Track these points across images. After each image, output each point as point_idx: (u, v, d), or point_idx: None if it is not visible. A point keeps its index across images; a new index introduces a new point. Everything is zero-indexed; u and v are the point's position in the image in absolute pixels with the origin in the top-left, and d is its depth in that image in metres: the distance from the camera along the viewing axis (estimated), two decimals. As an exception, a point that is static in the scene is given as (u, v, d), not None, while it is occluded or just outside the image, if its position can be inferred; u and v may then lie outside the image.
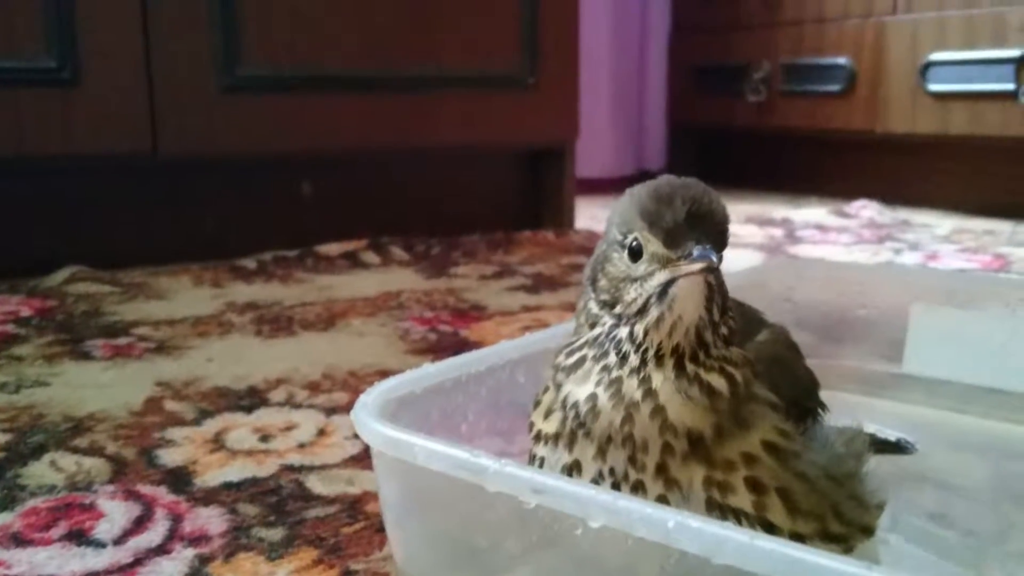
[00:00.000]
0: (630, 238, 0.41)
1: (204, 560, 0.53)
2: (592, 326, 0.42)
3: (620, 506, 0.32)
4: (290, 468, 0.66)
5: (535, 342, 0.53)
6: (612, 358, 0.40)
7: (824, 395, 0.51)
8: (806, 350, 0.49)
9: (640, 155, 2.65)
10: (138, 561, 0.53)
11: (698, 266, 0.38)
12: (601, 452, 0.39)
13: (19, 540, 0.55)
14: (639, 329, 0.40)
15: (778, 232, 1.75)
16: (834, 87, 2.14)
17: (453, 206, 1.69)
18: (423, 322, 1.08)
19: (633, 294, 0.41)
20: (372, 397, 0.43)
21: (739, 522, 0.37)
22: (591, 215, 1.97)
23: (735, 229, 1.74)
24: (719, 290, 0.40)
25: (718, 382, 0.39)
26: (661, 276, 0.40)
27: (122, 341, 1.00)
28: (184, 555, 0.54)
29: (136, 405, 0.80)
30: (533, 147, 1.77)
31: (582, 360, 0.42)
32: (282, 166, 1.54)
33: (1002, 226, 1.79)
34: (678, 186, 0.41)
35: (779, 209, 2.05)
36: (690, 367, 0.39)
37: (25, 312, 1.12)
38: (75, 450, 0.70)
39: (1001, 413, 0.69)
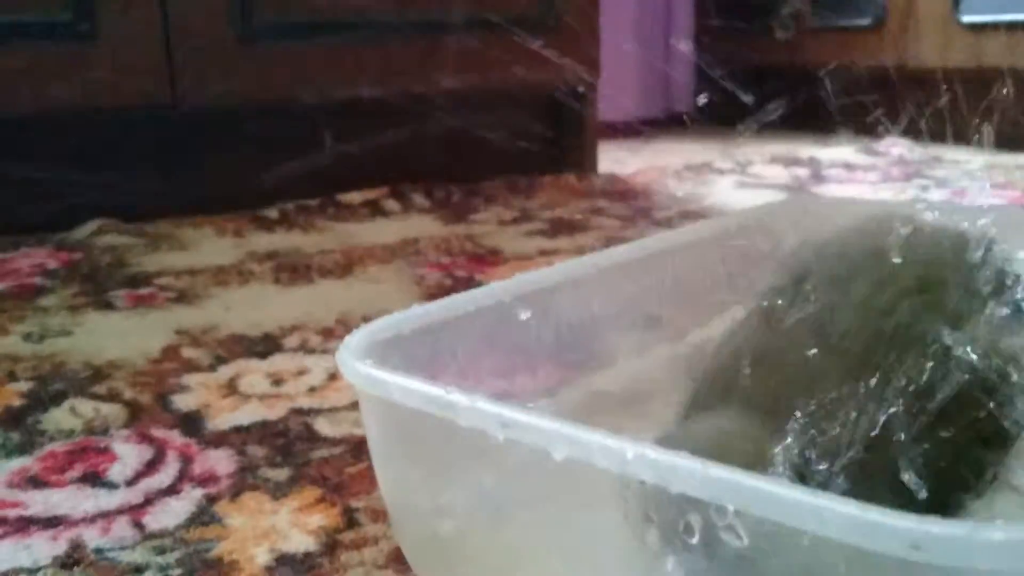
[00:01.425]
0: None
1: (211, 499, 0.55)
2: None
3: (581, 437, 0.32)
4: (299, 411, 0.68)
5: (528, 282, 0.54)
6: None
7: None
8: None
9: (667, 96, 2.61)
10: (148, 501, 0.55)
11: None
12: None
13: (36, 482, 0.58)
14: None
15: (804, 172, 1.73)
16: (864, 20, 2.09)
17: (475, 152, 1.69)
18: (439, 267, 1.09)
19: None
20: (357, 338, 0.44)
21: None
22: (615, 158, 1.95)
23: (760, 170, 1.71)
24: None
25: None
26: None
27: (144, 291, 1.02)
28: (192, 495, 0.56)
29: (154, 352, 0.81)
30: (554, 90, 1.76)
31: None
32: (303, 115, 1.55)
33: (1036, 161, 1.75)
34: None
35: (807, 148, 2.02)
36: None
37: (52, 264, 1.14)
38: (94, 396, 0.72)
39: None
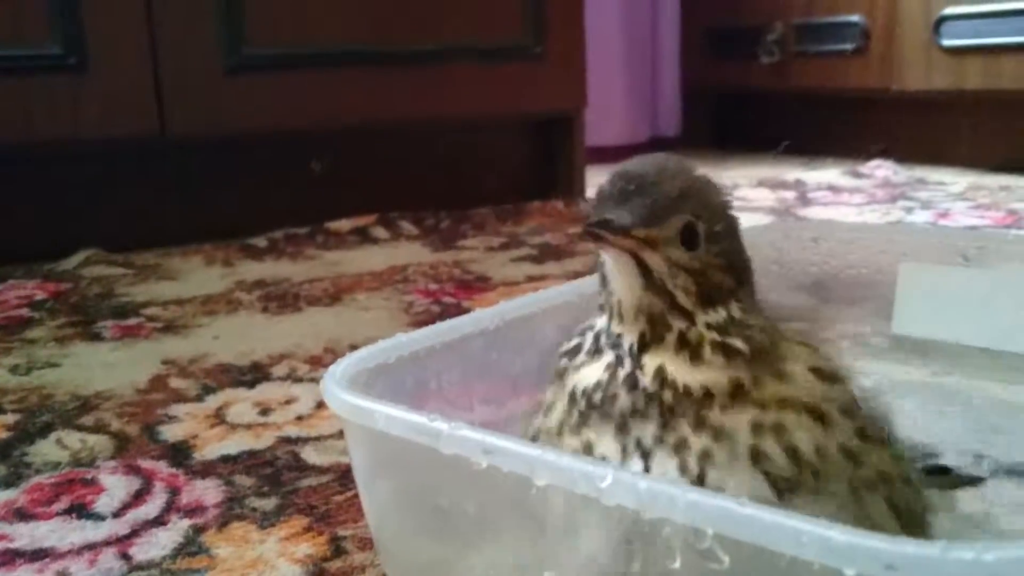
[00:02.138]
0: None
1: (198, 530, 0.55)
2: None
3: (562, 464, 0.32)
4: (287, 440, 0.68)
5: (512, 309, 0.54)
6: (608, 353, 0.38)
7: None
8: (796, 312, 0.49)
9: (654, 121, 2.63)
10: (135, 532, 0.55)
11: (606, 234, 0.35)
12: (622, 428, 0.36)
13: (22, 515, 0.58)
14: (606, 319, 0.38)
15: (790, 195, 1.74)
16: (848, 46, 2.11)
17: (463, 178, 1.70)
18: (427, 294, 1.09)
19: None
20: (342, 367, 0.44)
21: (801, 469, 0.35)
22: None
23: (747, 193, 1.73)
24: (677, 272, 0.37)
25: (733, 343, 0.36)
26: (602, 258, 0.38)
27: (132, 321, 1.02)
28: (179, 525, 0.56)
29: (142, 383, 0.81)
30: (541, 117, 1.77)
31: (577, 350, 0.39)
32: (291, 144, 1.55)
33: (1019, 182, 1.76)
34: (638, 160, 0.38)
35: (793, 171, 2.04)
36: (675, 351, 0.36)
37: (40, 295, 1.14)
38: (80, 428, 0.72)
39: (989, 373, 0.69)
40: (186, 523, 0.56)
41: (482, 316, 0.53)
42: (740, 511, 0.29)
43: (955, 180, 1.82)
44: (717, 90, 2.58)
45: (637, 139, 2.55)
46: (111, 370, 0.86)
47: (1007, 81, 1.81)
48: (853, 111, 2.23)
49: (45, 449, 0.68)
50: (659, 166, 0.38)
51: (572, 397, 0.38)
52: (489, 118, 1.71)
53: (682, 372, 0.36)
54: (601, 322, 0.39)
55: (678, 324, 0.37)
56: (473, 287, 1.13)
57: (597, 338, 0.39)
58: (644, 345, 0.37)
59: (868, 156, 2.02)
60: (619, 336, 0.38)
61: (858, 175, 1.94)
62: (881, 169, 1.95)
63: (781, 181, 1.90)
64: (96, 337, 0.97)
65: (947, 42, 1.89)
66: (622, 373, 0.37)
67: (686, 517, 0.30)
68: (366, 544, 0.52)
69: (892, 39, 2.01)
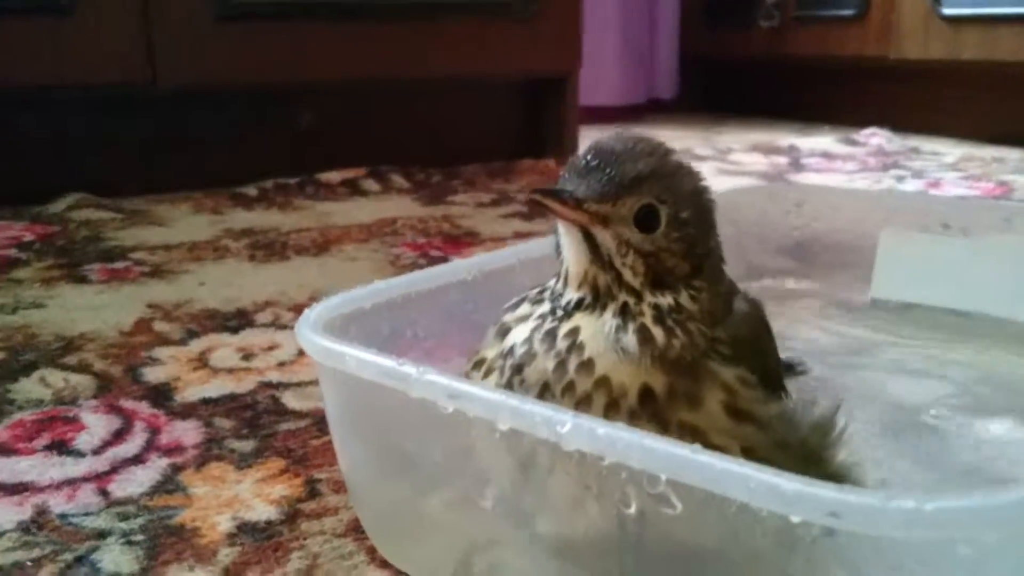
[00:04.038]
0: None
1: (176, 469, 0.56)
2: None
3: (525, 409, 0.33)
4: (268, 385, 0.69)
5: (489, 261, 0.55)
6: (546, 304, 0.40)
7: (793, 325, 0.51)
8: (778, 275, 0.50)
9: (651, 83, 2.62)
10: (114, 469, 0.56)
11: (566, 214, 0.37)
12: (541, 398, 0.37)
13: (3, 450, 0.58)
14: (560, 277, 0.40)
15: (782, 160, 1.74)
16: (847, 11, 2.10)
17: (455, 136, 1.69)
18: (415, 247, 1.10)
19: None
20: (317, 312, 0.45)
21: None
22: (596, 143, 1.96)
23: (739, 157, 1.72)
24: (627, 251, 0.38)
25: (656, 333, 0.37)
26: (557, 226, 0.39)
27: (119, 265, 1.02)
28: (158, 464, 0.57)
29: (126, 325, 0.82)
30: (534, 77, 1.76)
31: (520, 301, 0.41)
32: (281, 96, 1.55)
33: (1013, 154, 1.77)
34: (615, 136, 0.39)
35: (787, 137, 2.03)
36: (618, 319, 0.37)
37: (27, 237, 1.14)
38: (64, 367, 0.72)
39: (965, 337, 0.70)
40: (165, 462, 0.57)
41: (459, 266, 0.54)
42: (693, 458, 0.30)
43: (949, 151, 1.82)
44: (714, 54, 2.57)
45: (633, 100, 2.55)
46: (96, 312, 0.86)
47: (1004, 52, 1.80)
48: (850, 79, 2.22)
49: (28, 387, 0.68)
50: (630, 145, 0.39)
51: (502, 354, 0.40)
52: (482, 76, 1.70)
53: (595, 341, 0.37)
54: (552, 282, 0.41)
55: (623, 298, 0.38)
56: (461, 241, 1.13)
57: (542, 291, 0.41)
58: (580, 304, 0.38)
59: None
60: (561, 296, 0.39)
61: (852, 143, 1.94)
62: (875, 137, 1.94)
63: (775, 146, 1.90)
64: (82, 280, 0.97)
65: (947, 11, 1.87)
66: (546, 327, 0.38)
67: (641, 463, 0.31)
68: (340, 487, 0.53)
69: (892, 6, 2.00)
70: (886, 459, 0.52)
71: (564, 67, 1.77)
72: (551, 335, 0.38)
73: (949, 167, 1.64)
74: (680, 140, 2.02)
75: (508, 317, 0.41)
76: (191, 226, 1.22)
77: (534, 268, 0.57)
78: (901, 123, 2.04)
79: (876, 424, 0.57)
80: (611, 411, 0.36)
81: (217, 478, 0.55)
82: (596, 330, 0.37)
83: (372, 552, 0.46)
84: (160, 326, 0.82)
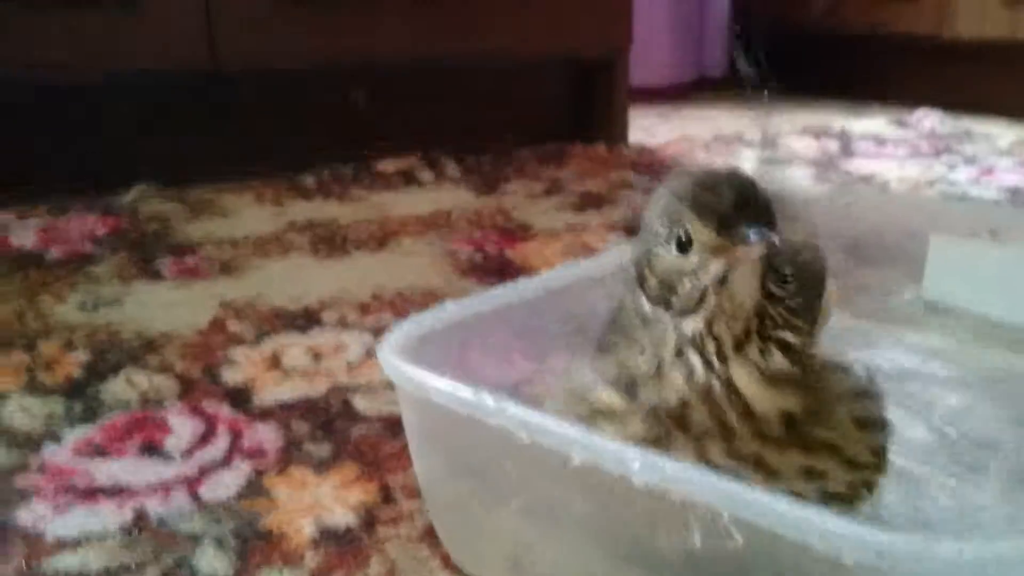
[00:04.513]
0: (677, 230, 0.40)
1: (259, 473, 0.60)
2: (646, 324, 0.42)
3: (597, 445, 0.36)
4: (339, 388, 0.73)
5: (554, 279, 0.58)
6: (690, 357, 0.40)
7: (840, 325, 0.53)
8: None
9: (700, 61, 2.61)
10: (203, 473, 0.60)
11: (759, 249, 0.38)
12: (699, 448, 0.39)
13: (100, 451, 0.63)
14: (700, 323, 0.40)
15: (833, 145, 1.74)
16: (901, -11, 2.07)
17: (504, 118, 1.71)
18: (470, 243, 1.13)
19: (689, 286, 0.40)
20: (396, 336, 0.48)
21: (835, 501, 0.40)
22: (645, 127, 1.97)
23: (790, 142, 1.72)
24: (770, 264, 0.40)
25: (789, 336, 0.40)
26: (718, 265, 0.39)
27: (189, 260, 1.07)
28: (242, 468, 0.61)
29: (202, 324, 0.86)
30: (583, 57, 1.77)
31: (660, 364, 0.41)
32: (334, 77, 1.58)
33: (1068, 136, 1.75)
34: (720, 175, 0.41)
35: (838, 118, 2.02)
36: (758, 349, 0.40)
37: (100, 231, 1.19)
38: (147, 367, 0.77)
39: (1016, 345, 0.71)
40: (248, 465, 0.61)
41: (524, 286, 0.57)
42: (752, 497, 0.33)
43: (1002, 133, 1.80)
44: (765, 30, 2.54)
45: (682, 79, 2.54)
46: (171, 310, 0.91)
47: (1063, 32, 1.78)
48: (902, 57, 2.20)
49: (116, 388, 0.73)
50: (742, 174, 0.41)
51: (653, 413, 0.40)
52: (532, 57, 1.71)
53: (750, 388, 0.39)
54: (684, 327, 0.40)
55: (769, 330, 0.40)
56: (515, 235, 1.16)
57: (680, 341, 0.41)
58: (738, 345, 0.40)
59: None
60: (716, 339, 0.40)
61: (903, 125, 1.92)
62: (927, 119, 1.93)
63: (825, 129, 1.89)
64: (156, 276, 1.02)
65: (1004, -10, 1.85)
66: (699, 382, 0.40)
67: (706, 499, 0.34)
68: (413, 493, 0.56)
69: (948, -16, 1.97)
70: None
71: (614, 45, 1.77)
72: (703, 383, 0.40)
73: (1003, 152, 1.63)
74: (730, 123, 2.02)
75: (640, 375, 0.42)
76: (254, 218, 1.26)
77: (593, 285, 0.60)
78: (953, 103, 2.02)
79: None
80: (766, 448, 0.39)
81: (298, 482, 0.59)
82: (745, 368, 0.40)
83: (446, 559, 0.50)
84: (233, 325, 0.86)
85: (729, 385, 0.39)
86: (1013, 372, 0.68)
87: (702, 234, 0.39)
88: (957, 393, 0.64)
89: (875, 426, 0.42)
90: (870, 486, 0.42)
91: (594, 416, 0.42)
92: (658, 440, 0.40)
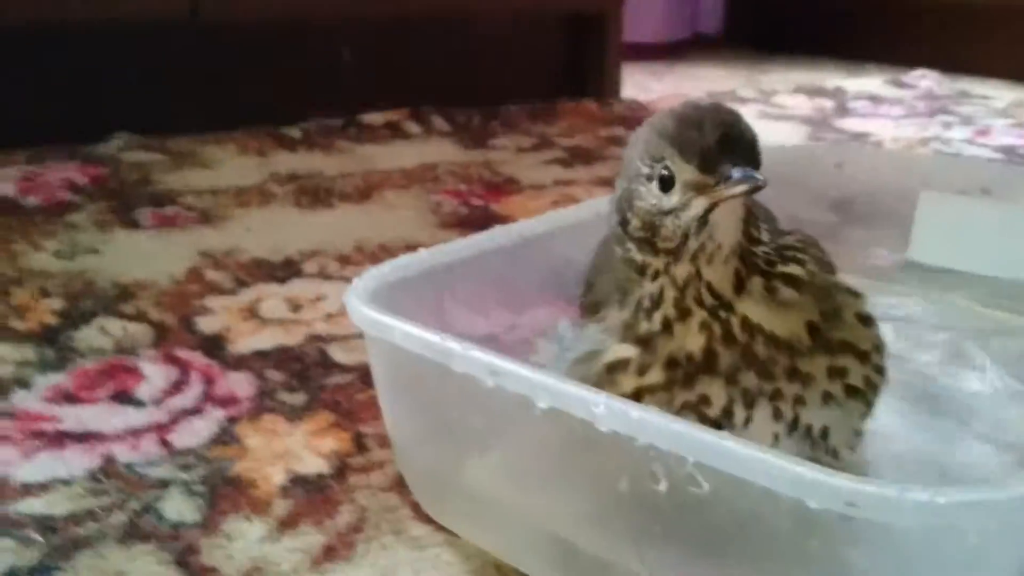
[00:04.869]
0: (658, 168, 0.39)
1: (231, 420, 0.59)
2: (643, 272, 0.41)
3: (562, 389, 0.35)
4: (316, 337, 0.72)
5: (529, 227, 0.57)
6: (695, 311, 0.40)
7: None
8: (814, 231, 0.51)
9: (696, 18, 2.57)
10: (173, 420, 0.59)
11: (742, 188, 0.37)
12: (730, 380, 0.39)
13: (70, 398, 0.62)
14: (688, 268, 0.39)
15: (828, 104, 1.72)
16: (900, -54, 2.04)
17: (495, 74, 1.69)
18: (456, 195, 1.12)
19: (671, 227, 0.39)
20: (364, 281, 0.47)
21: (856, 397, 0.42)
22: (638, 83, 1.95)
23: (784, 100, 1.70)
24: (752, 206, 0.40)
25: (796, 270, 0.41)
26: (699, 204, 0.38)
27: (169, 210, 1.05)
28: (214, 415, 0.60)
29: (179, 274, 0.85)
30: (576, 12, 1.74)
31: (667, 320, 0.40)
32: (323, 33, 1.55)
33: (1065, 98, 1.73)
34: (705, 109, 0.39)
35: (834, 78, 2.00)
36: (763, 281, 0.40)
37: (80, 180, 1.17)
38: (122, 315, 0.76)
39: (1001, 301, 0.70)
40: (221, 413, 0.60)
41: (499, 233, 0.55)
42: (718, 443, 0.32)
43: (999, 94, 1.78)
44: (763, -12, 2.51)
45: (677, 36, 2.50)
46: (149, 259, 0.89)
47: (1063, -8, 1.75)
48: (900, 16, 2.17)
49: (90, 335, 0.72)
50: (727, 109, 0.40)
51: (673, 361, 0.40)
52: (524, 12, 1.69)
53: (768, 320, 0.40)
54: (677, 274, 0.40)
55: (760, 258, 0.40)
56: (501, 189, 1.14)
57: (682, 294, 0.40)
58: (737, 288, 0.40)
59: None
60: (708, 285, 0.40)
61: (900, 85, 1.90)
62: (925, 79, 1.91)
63: (820, 88, 1.87)
64: (134, 225, 1.00)
65: (1005, -52, 1.82)
66: (718, 330, 0.40)
67: (670, 445, 0.33)
68: (385, 442, 0.55)
69: (948, -59, 1.94)
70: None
71: (607, 1, 1.74)
72: (722, 328, 0.40)
73: (999, 113, 1.61)
74: (724, 80, 2.00)
75: (647, 325, 0.41)
76: (237, 169, 1.24)
77: (572, 233, 0.59)
78: (951, 63, 1.99)
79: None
80: (796, 356, 0.40)
81: (270, 430, 0.58)
82: (758, 303, 0.40)
83: (416, 507, 0.49)
84: (211, 275, 0.85)
85: (745, 323, 0.39)
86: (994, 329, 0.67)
87: (684, 171, 0.38)
88: (935, 348, 0.63)
89: (872, 321, 0.43)
90: (877, 382, 0.43)
91: (610, 372, 0.41)
92: (681, 384, 0.40)
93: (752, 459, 0.31)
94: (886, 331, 0.47)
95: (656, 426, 0.33)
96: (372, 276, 0.47)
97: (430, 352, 0.40)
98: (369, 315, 0.43)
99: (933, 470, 0.52)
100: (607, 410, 0.34)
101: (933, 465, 0.52)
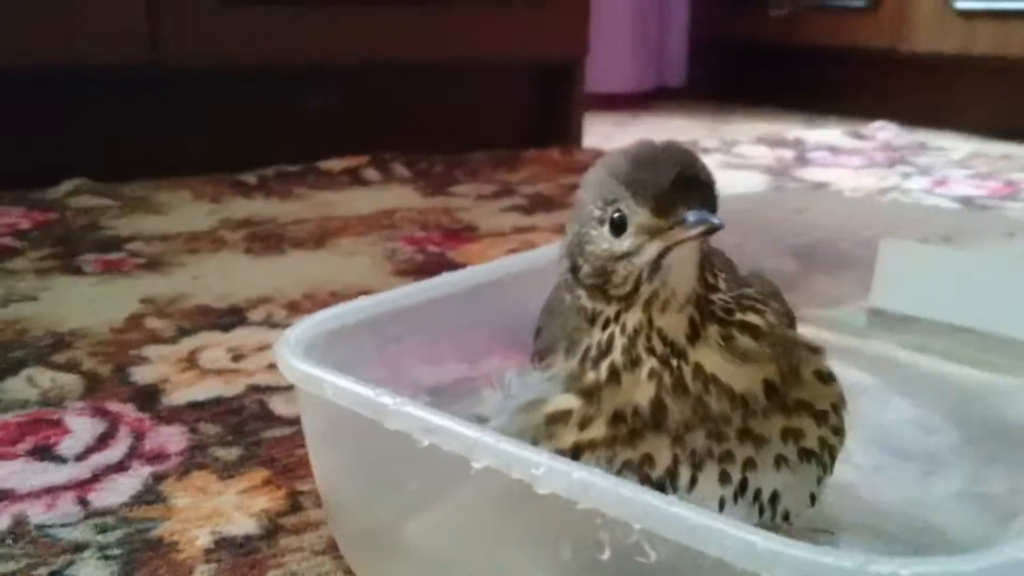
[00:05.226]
0: (611, 211, 0.37)
1: (158, 478, 0.55)
2: (593, 321, 0.39)
3: (499, 448, 0.32)
4: (256, 388, 0.68)
5: (477, 275, 0.54)
6: (645, 360, 0.37)
7: None
8: (776, 278, 0.49)
9: (660, 69, 2.59)
10: (95, 477, 0.55)
11: (697, 230, 0.35)
12: (676, 440, 0.37)
13: (-14, 453, 0.58)
14: (640, 315, 0.37)
15: (788, 154, 1.72)
16: (859, 1, 2.07)
17: (460, 123, 1.68)
18: (413, 242, 1.09)
19: (623, 272, 0.37)
20: (298, 331, 0.44)
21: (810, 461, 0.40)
22: (603, 132, 1.94)
23: (745, 150, 1.70)
24: (709, 252, 0.38)
25: (755, 319, 0.38)
26: (653, 248, 0.36)
27: (114, 256, 1.01)
28: (140, 472, 0.56)
29: (118, 322, 0.81)
30: (541, 63, 1.75)
31: (615, 369, 0.38)
32: (287, 80, 1.53)
33: (1022, 151, 1.74)
34: (660, 149, 0.38)
35: (794, 129, 2.01)
36: (720, 329, 0.38)
37: (24, 225, 1.14)
38: (52, 366, 0.72)
39: (963, 352, 0.68)
40: (147, 470, 0.56)
41: (447, 280, 0.53)
42: (667, 509, 0.29)
43: (956, 146, 1.80)
44: (725, 41, 2.54)
45: (642, 87, 2.52)
46: (89, 306, 0.85)
47: (1018, 47, 1.78)
48: (860, 70, 2.19)
49: (15, 386, 0.68)
50: (683, 150, 0.38)
51: (618, 416, 0.37)
52: (488, 62, 1.68)
53: (724, 370, 0.37)
54: (628, 321, 0.38)
55: (718, 307, 0.38)
56: (459, 236, 1.12)
57: (631, 342, 0.38)
58: (692, 337, 0.37)
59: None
60: (660, 332, 0.37)
61: (859, 136, 1.92)
62: (883, 131, 1.92)
63: (781, 139, 1.88)
64: (77, 271, 0.96)
65: (961, 4, 1.85)
66: (668, 379, 0.37)
67: (615, 511, 0.30)
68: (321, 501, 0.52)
69: (906, -2, 1.97)
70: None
71: (572, 52, 1.75)
72: (672, 378, 0.37)
73: (956, 164, 1.62)
74: (687, 131, 2.01)
75: (600, 382, 0.38)
76: (189, 215, 1.21)
77: (525, 279, 0.57)
78: (910, 116, 2.02)
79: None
80: (748, 418, 0.38)
81: (199, 488, 0.54)
82: (714, 351, 0.38)
83: (348, 573, 0.45)
84: (152, 323, 0.81)
85: (698, 372, 0.37)
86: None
87: (638, 214, 0.36)
88: (899, 404, 0.61)
89: (832, 378, 0.41)
90: (834, 443, 0.41)
91: (550, 423, 0.38)
92: (624, 441, 0.37)
93: (703, 527, 0.28)
94: (848, 380, 0.45)
95: (600, 489, 0.30)
96: (307, 325, 0.45)
97: (362, 408, 0.37)
98: (299, 367, 0.40)
99: (899, 524, 0.49)
100: (548, 471, 0.31)
101: (900, 519, 0.49)
